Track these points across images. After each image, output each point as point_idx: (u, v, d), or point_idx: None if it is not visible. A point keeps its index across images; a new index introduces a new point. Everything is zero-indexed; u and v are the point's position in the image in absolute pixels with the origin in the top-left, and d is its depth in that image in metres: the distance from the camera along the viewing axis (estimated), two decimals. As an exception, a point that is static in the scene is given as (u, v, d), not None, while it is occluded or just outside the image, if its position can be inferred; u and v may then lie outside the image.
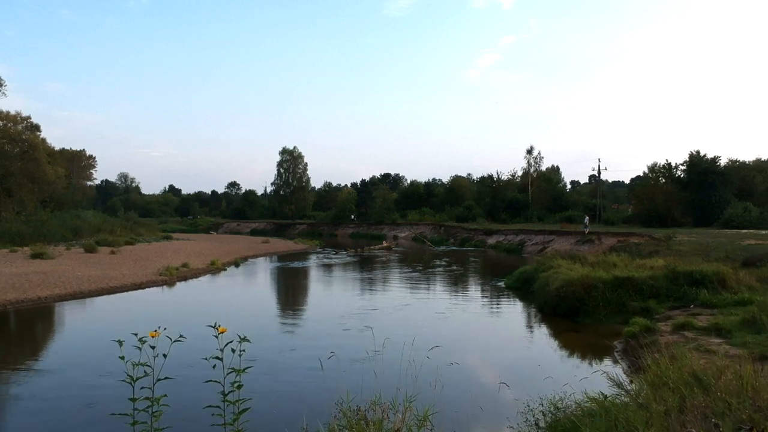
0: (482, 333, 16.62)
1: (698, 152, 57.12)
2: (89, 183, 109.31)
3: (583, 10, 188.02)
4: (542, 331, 16.75)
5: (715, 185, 53.98)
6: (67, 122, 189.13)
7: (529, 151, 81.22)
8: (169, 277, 27.00)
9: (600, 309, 17.08)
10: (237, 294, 25.33)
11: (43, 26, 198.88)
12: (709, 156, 56.45)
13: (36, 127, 63.44)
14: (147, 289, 24.40)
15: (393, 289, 26.01)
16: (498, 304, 22.04)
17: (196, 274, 29.62)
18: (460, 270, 34.80)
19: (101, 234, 49.65)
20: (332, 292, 26.14)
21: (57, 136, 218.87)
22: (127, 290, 23.68)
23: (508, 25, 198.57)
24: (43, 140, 64.75)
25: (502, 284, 26.72)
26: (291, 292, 27.63)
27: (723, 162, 57.57)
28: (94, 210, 70.35)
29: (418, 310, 19.62)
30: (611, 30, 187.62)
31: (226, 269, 33.30)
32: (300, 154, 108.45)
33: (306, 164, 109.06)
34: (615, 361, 12.88)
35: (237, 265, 36.36)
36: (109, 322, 18.03)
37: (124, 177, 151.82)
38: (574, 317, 17.36)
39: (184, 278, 27.99)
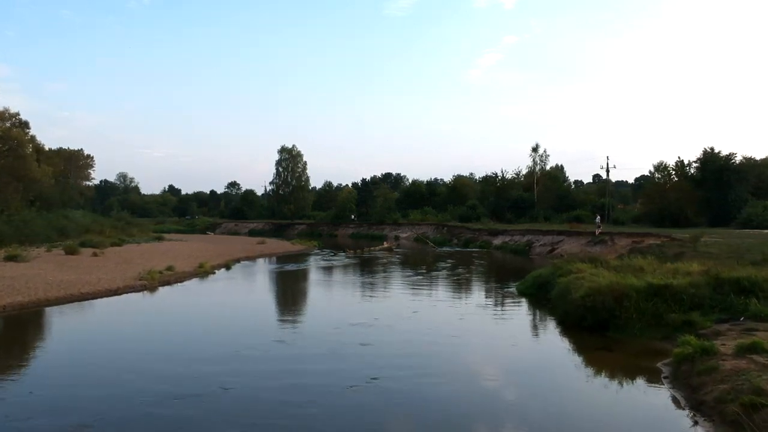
0: (502, 356, 14.00)
1: (712, 149, 54.86)
2: (87, 183, 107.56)
3: (584, 9, 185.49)
4: (571, 351, 14.27)
5: (731, 183, 51.66)
6: (68, 123, 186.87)
7: (535, 149, 78.53)
8: (150, 282, 24.70)
9: (634, 322, 14.73)
10: (219, 302, 22.58)
11: (44, 27, 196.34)
12: (723, 153, 54.29)
13: (25, 124, 61.32)
14: (123, 296, 22.14)
15: (394, 296, 23.67)
16: (513, 316, 19.61)
17: (181, 278, 27.27)
18: (466, 273, 32.46)
19: (89, 234, 47.44)
20: (328, 300, 23.75)
21: (59, 136, 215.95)
22: (100, 297, 21.36)
23: (509, 25, 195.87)
24: (33, 138, 62.61)
25: (513, 290, 24.44)
26: (281, 299, 25.26)
27: (737, 159, 55.31)
28: (84, 210, 68.11)
29: (421, 324, 17.18)
30: (612, 29, 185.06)
31: (215, 272, 30.99)
32: (299, 152, 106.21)
33: (305, 163, 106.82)
34: (660, 386, 10.64)
35: (228, 267, 34.09)
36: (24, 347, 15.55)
37: (123, 177, 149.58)
38: (603, 331, 15.04)
39: (168, 283, 25.72)
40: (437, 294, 24.28)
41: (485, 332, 16.43)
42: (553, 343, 15.32)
